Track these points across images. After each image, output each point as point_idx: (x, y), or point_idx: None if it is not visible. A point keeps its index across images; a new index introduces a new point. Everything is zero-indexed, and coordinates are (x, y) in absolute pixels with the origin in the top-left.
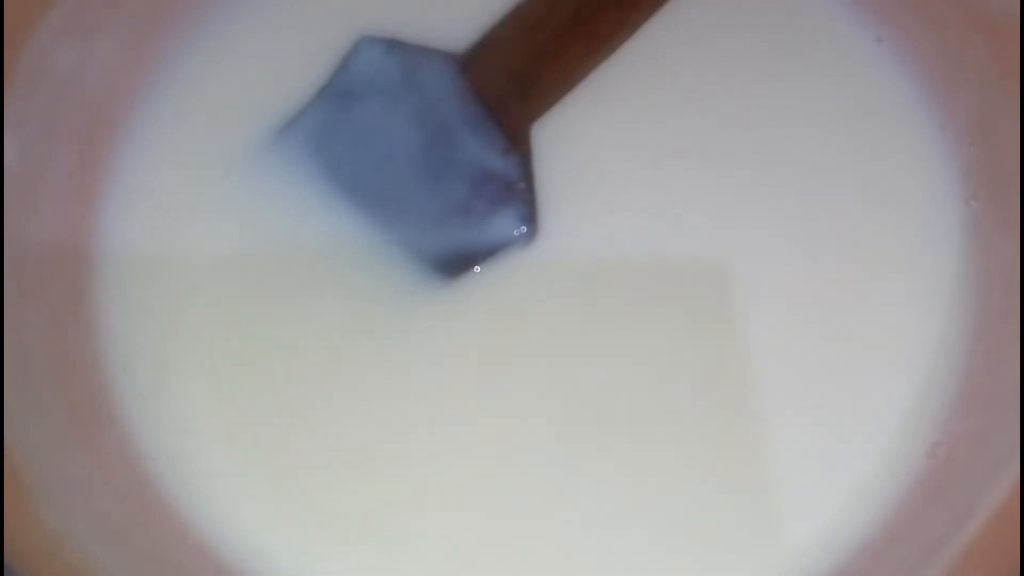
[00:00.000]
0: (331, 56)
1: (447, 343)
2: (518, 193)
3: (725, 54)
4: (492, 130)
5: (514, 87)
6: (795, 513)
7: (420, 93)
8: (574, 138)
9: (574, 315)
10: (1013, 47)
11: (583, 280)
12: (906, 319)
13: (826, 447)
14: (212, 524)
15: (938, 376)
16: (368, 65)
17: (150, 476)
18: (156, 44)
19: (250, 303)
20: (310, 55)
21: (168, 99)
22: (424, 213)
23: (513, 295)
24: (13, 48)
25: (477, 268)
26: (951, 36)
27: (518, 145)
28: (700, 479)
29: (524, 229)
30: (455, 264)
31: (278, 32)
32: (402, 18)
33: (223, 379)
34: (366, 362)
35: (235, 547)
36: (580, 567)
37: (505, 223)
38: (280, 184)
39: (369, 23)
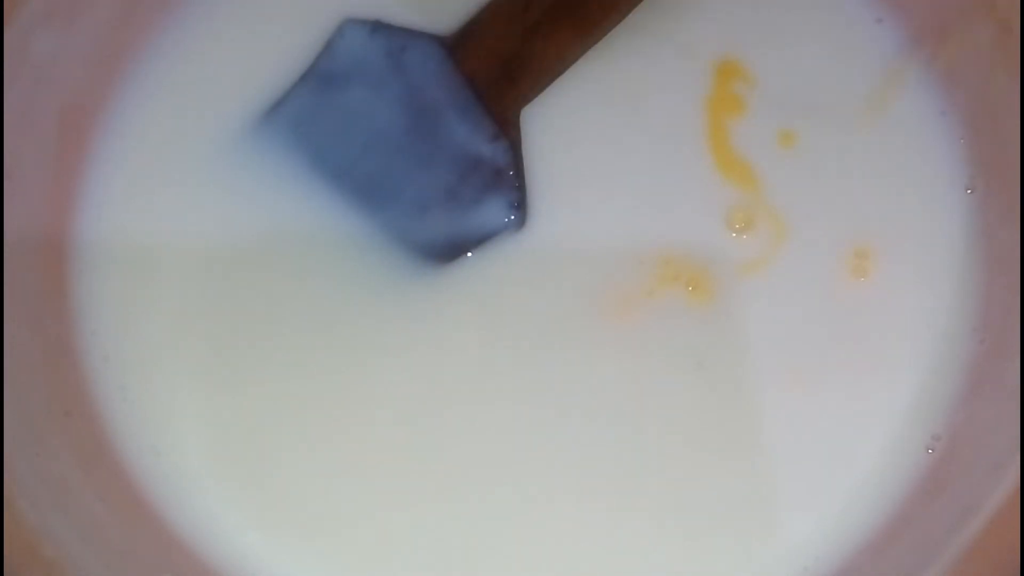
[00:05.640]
0: (314, 39)
1: (436, 333)
2: (507, 179)
3: (719, 38)
4: (480, 115)
5: (503, 71)
6: (795, 511)
7: (406, 77)
8: (564, 123)
9: (566, 301)
10: (1014, 31)
11: (575, 266)
12: (905, 310)
13: (826, 443)
14: (193, 522)
15: (938, 370)
16: (352, 48)
17: (130, 472)
18: (137, 29)
19: (234, 294)
20: (293, 38)
21: (149, 84)
22: (411, 200)
23: (503, 282)
24: None
25: (468, 254)
26: (952, 18)
27: (507, 130)
28: (699, 475)
29: (514, 216)
30: (444, 251)
31: (260, 15)
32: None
33: (206, 371)
34: (353, 354)
35: (216, 545)
36: (576, 566)
37: (494, 210)
38: (263, 171)
39: (353, 4)
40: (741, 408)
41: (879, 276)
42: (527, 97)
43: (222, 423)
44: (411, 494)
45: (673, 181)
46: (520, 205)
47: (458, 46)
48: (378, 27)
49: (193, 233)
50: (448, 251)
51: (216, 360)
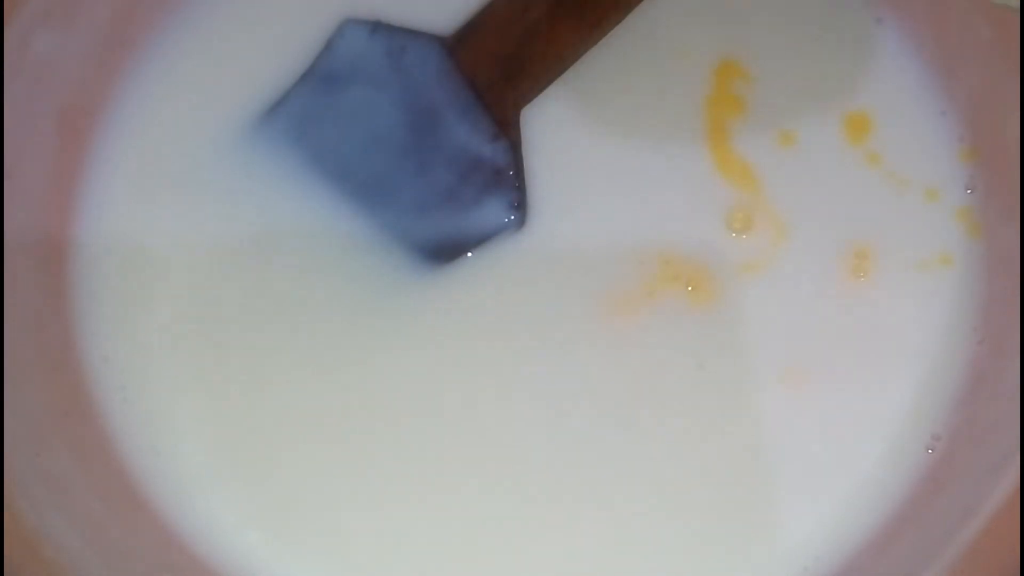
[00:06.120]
0: (314, 39)
1: (435, 333)
2: (507, 180)
3: (719, 37)
4: (480, 115)
5: (503, 71)
6: (795, 511)
7: (406, 77)
8: (564, 123)
9: (566, 301)
10: (1014, 31)
11: (575, 266)
12: (905, 310)
13: (826, 443)
14: (193, 522)
15: (938, 370)
16: (352, 48)
17: (130, 472)
18: (137, 29)
19: (233, 294)
20: (293, 38)
21: (148, 84)
22: (411, 200)
23: (503, 282)
24: None
25: (468, 254)
26: (952, 18)
27: (507, 130)
28: (699, 475)
29: (514, 216)
30: (444, 251)
31: (260, 15)
32: None
33: (206, 371)
34: (352, 354)
35: (216, 545)
36: (576, 566)
37: (494, 210)
38: (263, 171)
39: (353, 4)
40: (741, 408)
41: (879, 276)
42: (527, 97)
43: (222, 423)
44: (411, 494)
45: (673, 181)
46: (520, 205)
47: (458, 46)
48: (378, 27)
49: (193, 233)
50: (448, 251)
51: (216, 360)
